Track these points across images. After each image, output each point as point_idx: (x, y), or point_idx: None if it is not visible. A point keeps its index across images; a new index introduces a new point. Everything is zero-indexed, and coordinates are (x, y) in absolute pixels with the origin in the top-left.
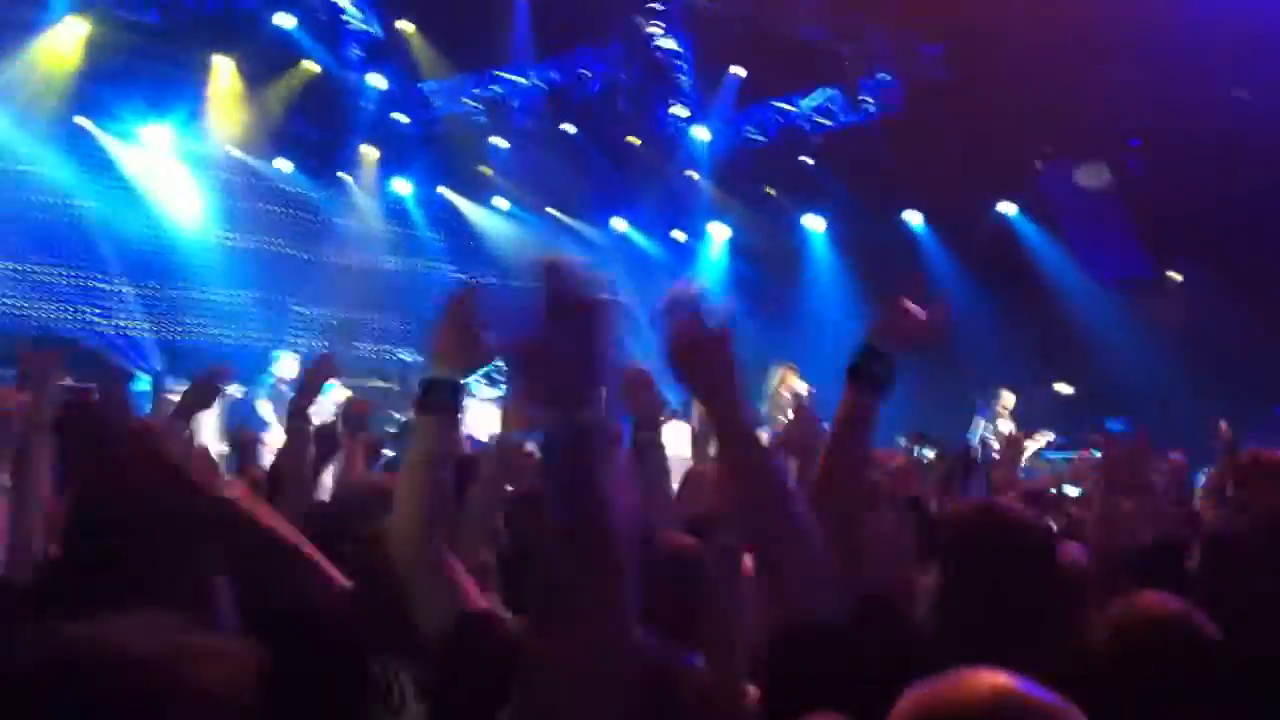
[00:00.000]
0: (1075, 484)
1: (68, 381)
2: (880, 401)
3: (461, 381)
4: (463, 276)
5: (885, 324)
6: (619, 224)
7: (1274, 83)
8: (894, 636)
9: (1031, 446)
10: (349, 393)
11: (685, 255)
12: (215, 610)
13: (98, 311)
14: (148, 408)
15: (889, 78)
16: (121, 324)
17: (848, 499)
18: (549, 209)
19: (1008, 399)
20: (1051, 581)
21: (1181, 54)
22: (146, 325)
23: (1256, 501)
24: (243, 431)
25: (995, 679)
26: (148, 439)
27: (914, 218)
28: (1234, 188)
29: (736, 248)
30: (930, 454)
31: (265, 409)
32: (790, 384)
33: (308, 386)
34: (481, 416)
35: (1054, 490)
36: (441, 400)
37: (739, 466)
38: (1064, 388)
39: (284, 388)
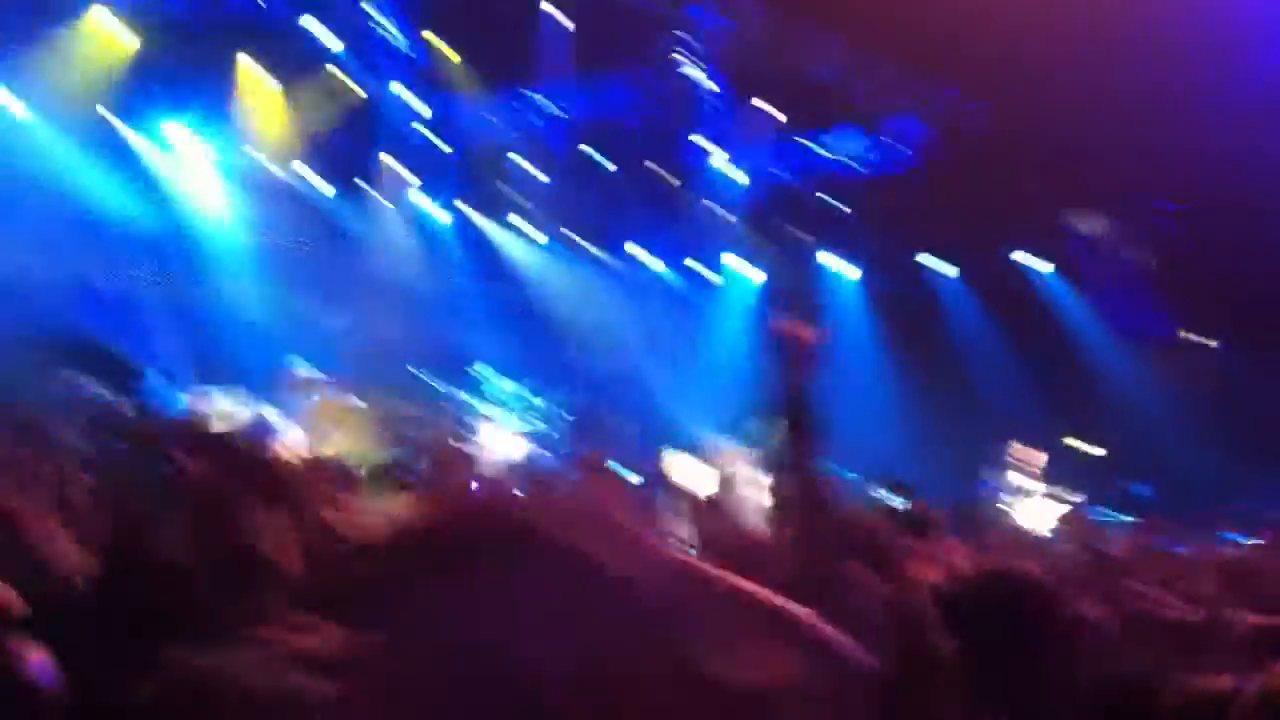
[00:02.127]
0: None
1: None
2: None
3: None
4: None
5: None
6: (640, 253)
7: None
8: None
9: (1057, 507)
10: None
11: (705, 288)
12: None
13: (118, 311)
14: (170, 411)
15: (919, 123)
16: (143, 325)
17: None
18: (566, 232)
19: (1033, 455)
20: (1067, 641)
21: (1219, 114)
22: (170, 327)
23: None
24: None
25: None
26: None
27: (943, 267)
28: (1266, 251)
29: (761, 287)
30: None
31: (273, 415)
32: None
33: None
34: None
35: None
36: None
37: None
38: (1093, 448)
39: (294, 395)
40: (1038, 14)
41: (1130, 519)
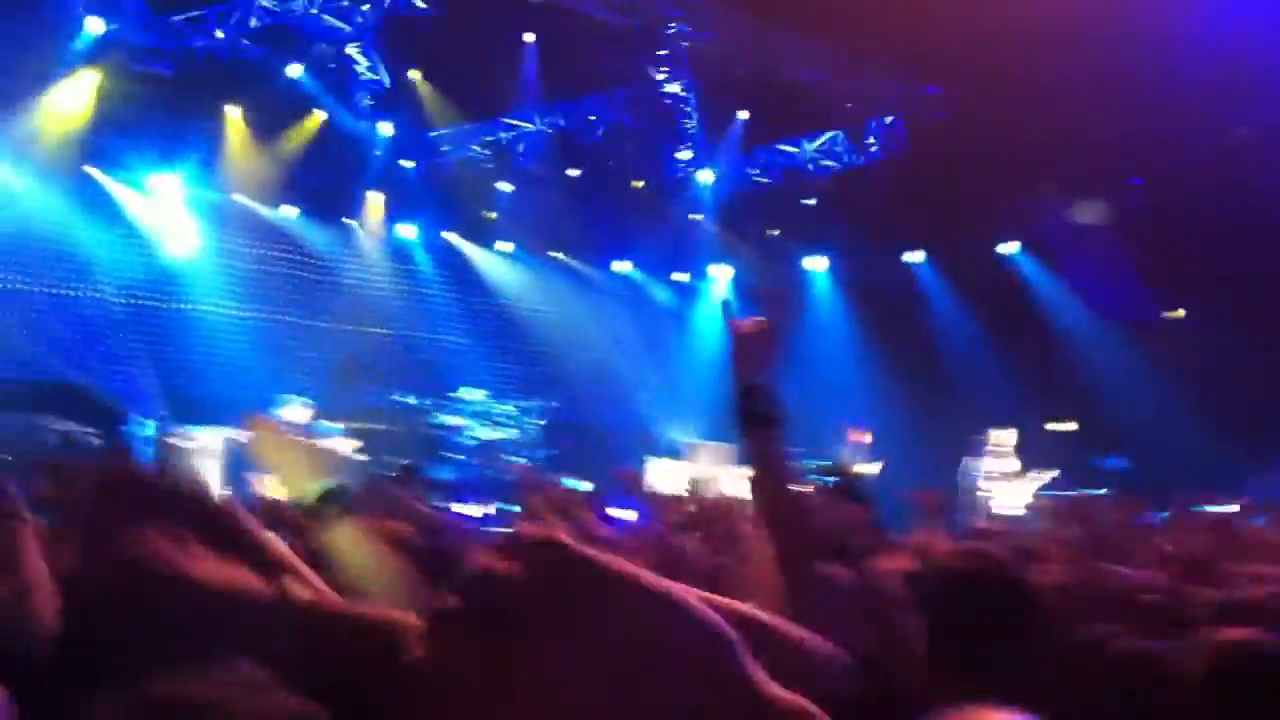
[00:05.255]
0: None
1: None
2: (779, 434)
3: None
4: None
5: (741, 357)
6: (622, 266)
7: (1272, 122)
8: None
9: (1031, 485)
10: (352, 441)
11: (688, 296)
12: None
13: (100, 355)
14: (149, 452)
15: (892, 120)
16: (124, 368)
17: (796, 542)
18: (551, 252)
19: (1006, 437)
20: (1034, 621)
21: (1181, 93)
22: (150, 369)
23: None
24: None
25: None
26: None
27: (916, 257)
28: (1236, 226)
29: (739, 288)
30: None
31: None
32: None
33: None
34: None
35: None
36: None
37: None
38: (1065, 425)
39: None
40: (1002, 3)
41: (1103, 492)
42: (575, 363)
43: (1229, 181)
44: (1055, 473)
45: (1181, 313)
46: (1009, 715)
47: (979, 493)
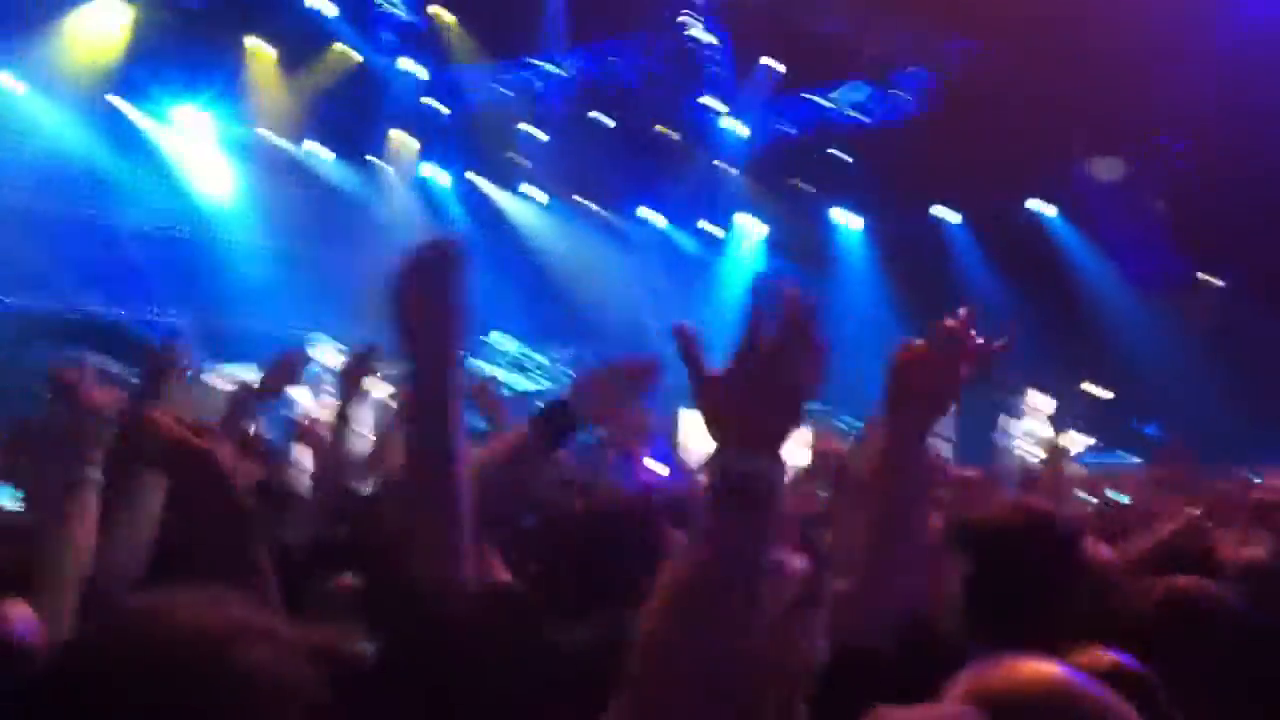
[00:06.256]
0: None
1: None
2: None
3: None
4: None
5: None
6: (648, 214)
7: None
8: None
9: (1070, 449)
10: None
11: (714, 247)
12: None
13: (129, 293)
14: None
15: (924, 72)
16: (156, 303)
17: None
18: (576, 197)
19: (1043, 401)
20: (1077, 574)
21: (1223, 57)
22: (176, 307)
23: None
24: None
25: (1050, 670)
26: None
27: (947, 214)
28: (1273, 192)
29: (768, 241)
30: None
31: (298, 394)
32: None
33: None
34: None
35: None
36: None
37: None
38: (1100, 391)
39: (319, 373)
40: None
41: (1141, 460)
42: (604, 311)
43: (1267, 145)
44: (1092, 440)
45: (1214, 279)
46: (1044, 664)
47: (1015, 453)
